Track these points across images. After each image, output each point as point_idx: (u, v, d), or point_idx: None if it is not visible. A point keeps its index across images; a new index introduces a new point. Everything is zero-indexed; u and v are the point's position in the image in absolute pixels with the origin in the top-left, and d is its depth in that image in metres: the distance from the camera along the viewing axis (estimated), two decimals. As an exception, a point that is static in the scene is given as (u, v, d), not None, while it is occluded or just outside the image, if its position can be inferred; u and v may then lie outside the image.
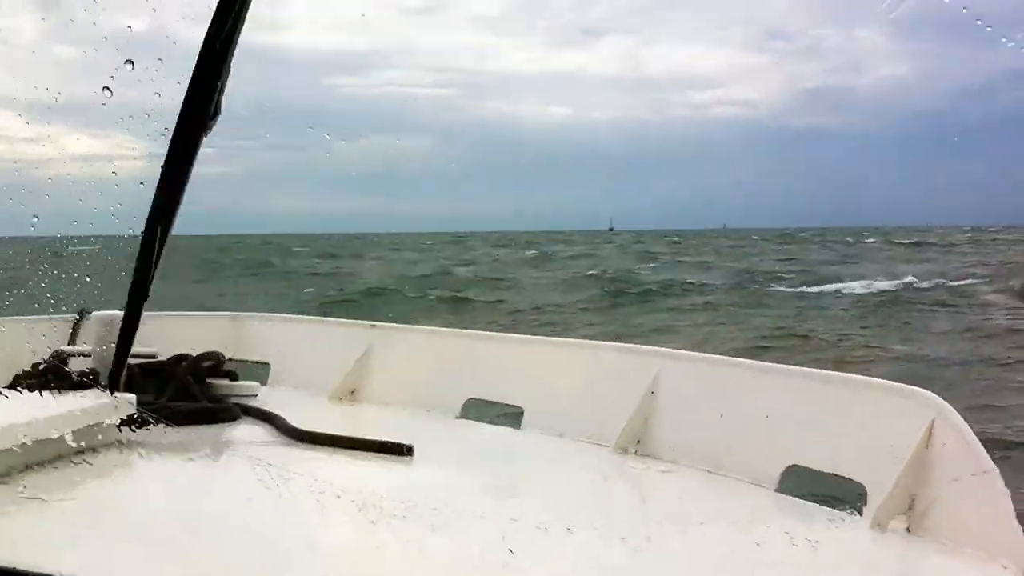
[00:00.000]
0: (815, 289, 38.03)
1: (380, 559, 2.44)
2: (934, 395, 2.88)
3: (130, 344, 3.13)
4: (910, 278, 39.99)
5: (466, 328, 5.55)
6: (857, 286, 38.30)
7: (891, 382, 3.11)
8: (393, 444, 3.49)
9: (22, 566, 1.82)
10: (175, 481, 3.27)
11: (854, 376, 3.28)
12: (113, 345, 4.16)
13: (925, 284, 38.32)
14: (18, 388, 3.77)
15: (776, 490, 3.17)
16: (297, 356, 4.92)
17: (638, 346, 4.15)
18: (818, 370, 3.44)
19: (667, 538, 2.65)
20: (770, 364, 3.63)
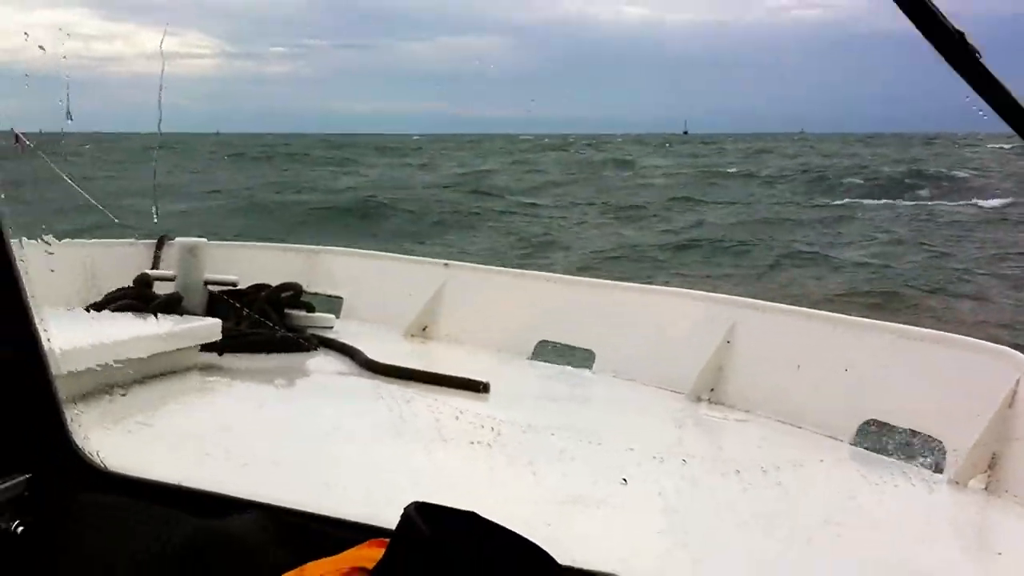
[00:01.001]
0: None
1: (463, 485, 2.49)
2: (1020, 354, 2.85)
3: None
4: None
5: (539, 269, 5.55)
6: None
7: (976, 339, 3.08)
8: (470, 380, 3.53)
9: (133, 473, 1.89)
10: (259, 405, 3.35)
11: (937, 332, 3.24)
12: (195, 270, 4.26)
13: None
14: (105, 310, 3.89)
15: (851, 443, 3.16)
16: (371, 291, 4.96)
17: (715, 294, 4.12)
18: (900, 324, 3.40)
19: (741, 485, 2.66)
20: (849, 317, 3.59)
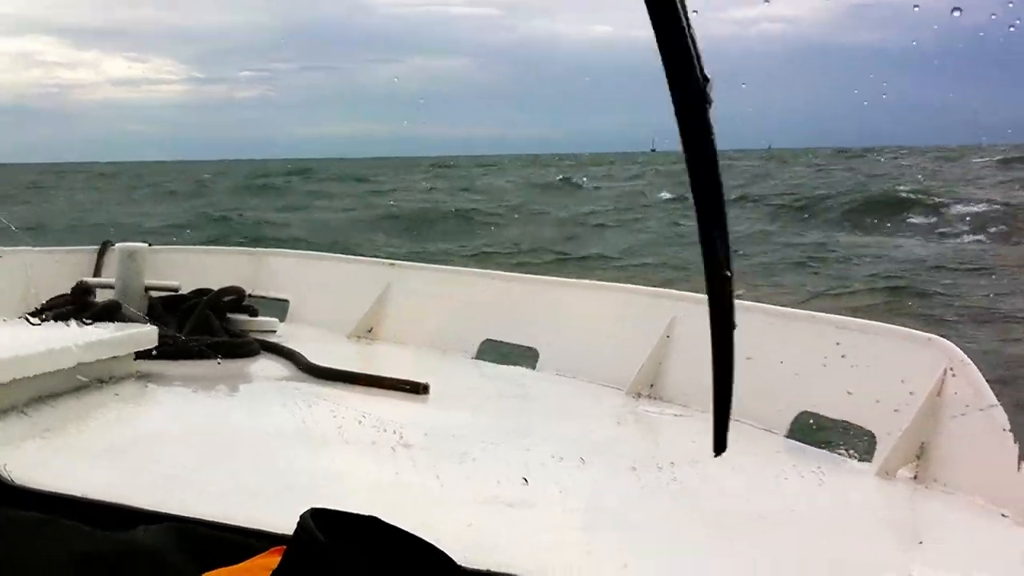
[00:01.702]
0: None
1: (397, 488, 2.49)
2: (949, 343, 2.88)
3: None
4: None
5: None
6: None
7: (906, 328, 3.11)
8: (409, 382, 3.53)
9: (40, 487, 1.87)
10: (195, 412, 3.32)
11: (869, 322, 3.28)
12: (136, 276, 4.23)
13: None
14: (42, 317, 3.85)
15: (786, 436, 3.19)
16: (316, 293, 4.95)
17: (655, 289, 4.15)
18: (833, 315, 3.43)
19: (675, 478, 2.68)
20: (785, 309, 3.62)
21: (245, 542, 1.62)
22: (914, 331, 3.07)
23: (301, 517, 1.27)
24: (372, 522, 1.31)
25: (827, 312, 3.59)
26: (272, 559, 1.36)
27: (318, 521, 1.27)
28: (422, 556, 1.30)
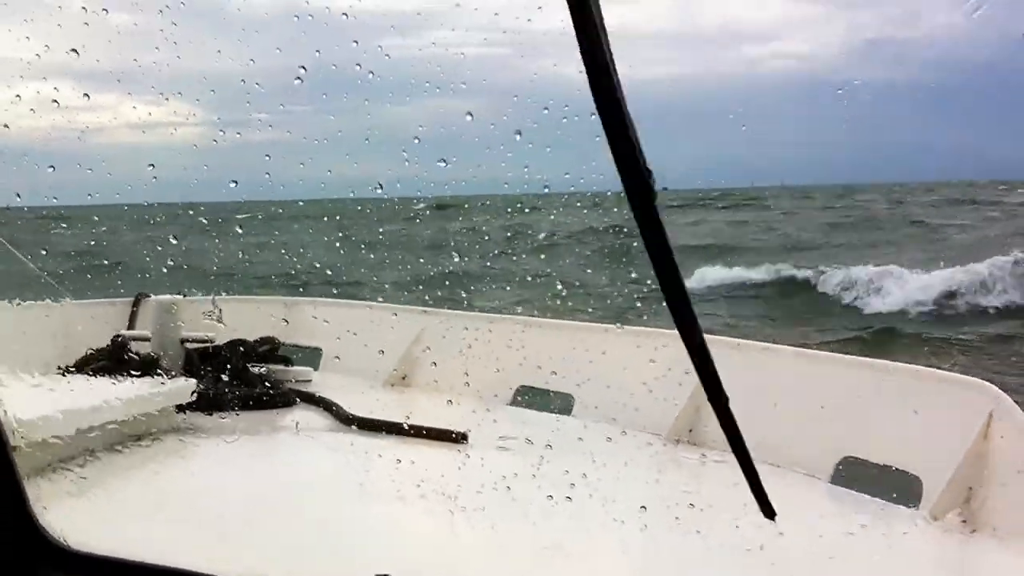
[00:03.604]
0: None
1: (449, 542, 2.48)
2: (993, 386, 2.86)
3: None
4: None
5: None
6: None
7: (949, 372, 3.09)
8: (448, 431, 3.52)
9: (86, 549, 1.86)
10: (236, 466, 3.32)
11: (911, 366, 3.26)
12: (172, 328, 4.25)
13: None
14: (80, 372, 3.87)
15: (830, 481, 3.15)
16: (349, 342, 4.95)
17: None
18: (874, 359, 3.41)
19: (722, 529, 2.65)
20: (824, 353, 3.62)
21: None
22: (957, 375, 3.05)
23: None
24: None
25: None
26: None
27: None
28: None
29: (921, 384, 3.10)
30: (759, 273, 24.45)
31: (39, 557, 1.77)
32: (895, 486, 3.05)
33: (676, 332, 4.26)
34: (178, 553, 1.93)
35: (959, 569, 2.75)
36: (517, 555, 2.40)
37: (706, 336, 3.91)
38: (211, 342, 4.38)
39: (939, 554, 2.74)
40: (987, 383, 2.90)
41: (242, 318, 4.95)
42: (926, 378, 3.12)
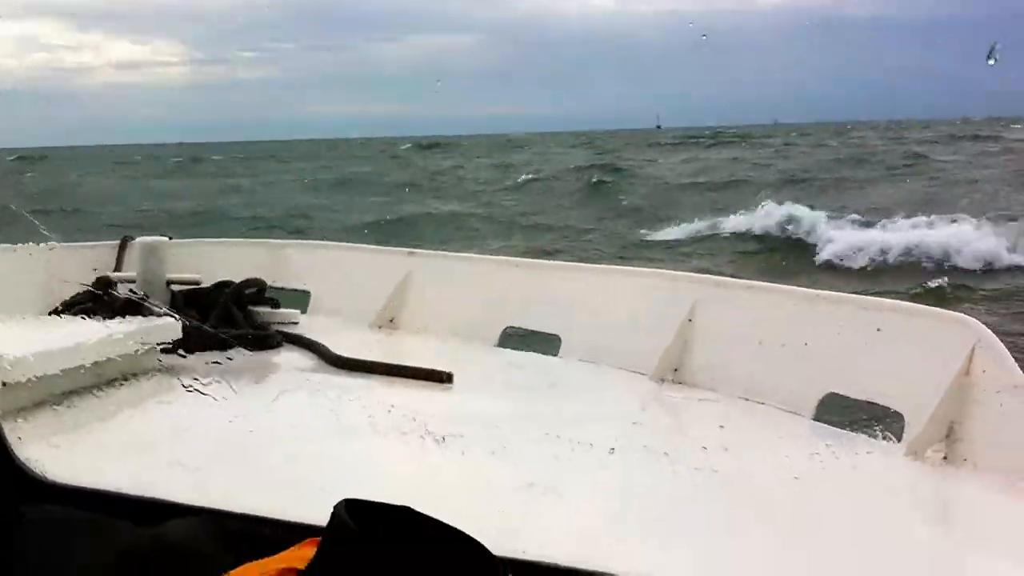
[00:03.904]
0: None
1: (427, 479, 2.49)
2: (976, 321, 2.86)
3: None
4: None
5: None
6: None
7: (932, 307, 3.09)
8: (433, 371, 3.53)
9: (73, 482, 1.88)
10: (222, 405, 3.33)
11: (894, 302, 3.27)
12: (158, 270, 4.24)
13: None
14: (65, 313, 3.86)
15: (813, 418, 3.18)
16: (336, 284, 4.95)
17: (677, 272, 4.14)
18: (858, 296, 3.41)
19: (700, 463, 2.67)
20: (809, 290, 3.61)
21: (277, 534, 1.62)
22: (941, 310, 3.05)
23: (335, 508, 1.27)
24: (406, 512, 1.30)
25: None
26: (307, 550, 1.36)
27: (352, 512, 1.26)
28: (457, 546, 1.30)
29: (904, 319, 3.11)
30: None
31: (20, 491, 1.78)
32: (877, 422, 3.07)
33: (662, 271, 4.29)
34: (158, 484, 1.94)
35: (939, 504, 2.77)
36: (500, 491, 2.42)
37: (689, 274, 3.95)
38: (198, 284, 4.37)
39: (919, 489, 2.76)
40: (970, 317, 2.90)
41: (229, 260, 4.94)
42: (909, 312, 3.12)
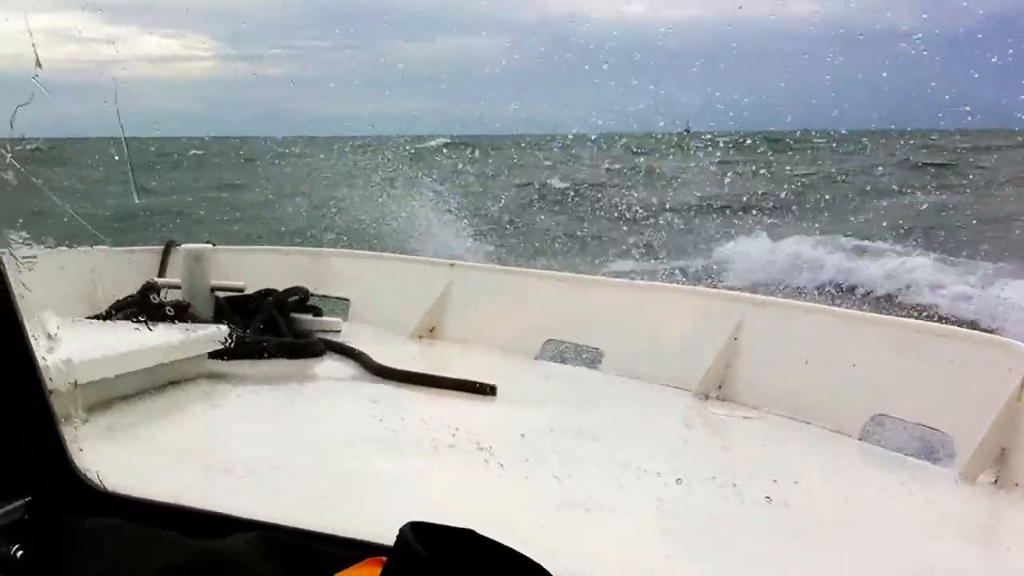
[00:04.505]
0: None
1: (479, 494, 2.49)
2: None
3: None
4: None
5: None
6: None
7: (983, 333, 3.07)
8: (477, 383, 3.53)
9: (131, 493, 1.89)
10: (271, 414, 3.35)
11: (943, 326, 3.24)
12: (202, 276, 4.27)
13: None
14: (113, 317, 3.90)
15: (859, 439, 3.15)
16: (377, 293, 4.97)
17: (721, 291, 4.13)
18: (907, 319, 3.39)
19: (751, 485, 2.65)
20: (855, 312, 3.59)
21: (334, 551, 1.62)
22: (988, 335, 3.03)
23: (401, 530, 1.27)
24: (469, 535, 1.30)
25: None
26: (369, 570, 1.36)
27: (416, 534, 1.26)
28: (521, 571, 1.30)
29: (954, 344, 3.08)
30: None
31: (79, 501, 1.79)
32: (926, 445, 3.04)
33: (705, 289, 4.30)
34: (212, 496, 1.95)
35: (990, 529, 2.74)
36: (546, 508, 2.41)
37: (735, 293, 3.92)
38: (241, 291, 4.40)
39: (970, 514, 2.73)
40: (1019, 343, 2.87)
41: (272, 268, 4.97)
42: (959, 337, 3.10)
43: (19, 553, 1.68)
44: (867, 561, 2.23)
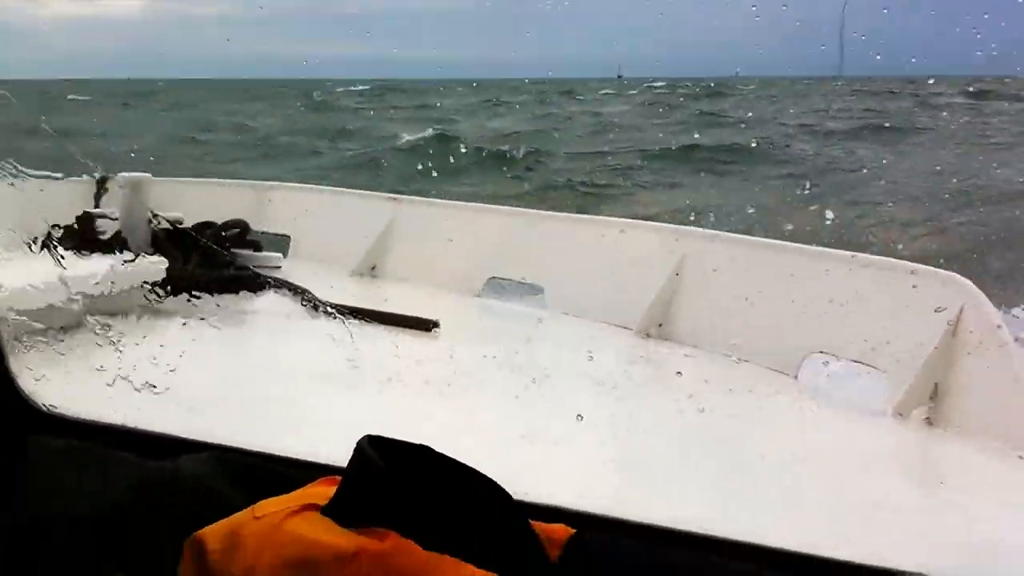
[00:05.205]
0: None
1: (414, 424, 2.49)
2: (966, 280, 2.85)
3: None
4: None
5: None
6: None
7: (922, 265, 3.07)
8: (420, 319, 3.52)
9: (76, 415, 1.86)
10: (213, 345, 3.31)
11: (884, 259, 3.24)
12: (139, 208, 4.18)
13: None
14: (48, 249, 3.81)
15: (797, 376, 3.19)
16: (319, 229, 4.91)
17: (666, 225, 4.10)
18: (843, 252, 3.37)
19: (685, 421, 2.69)
20: (799, 245, 3.57)
21: (288, 472, 1.62)
22: (929, 267, 3.03)
23: (358, 443, 1.26)
24: (424, 450, 1.30)
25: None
26: (325, 488, 1.35)
27: (374, 447, 1.26)
28: (477, 483, 1.30)
29: (894, 277, 3.09)
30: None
31: (25, 422, 1.76)
32: (861, 381, 3.09)
33: (649, 223, 4.27)
34: (160, 419, 1.93)
35: (921, 465, 2.80)
36: (491, 438, 2.43)
37: (679, 227, 3.92)
38: (179, 223, 4.32)
39: (902, 450, 2.79)
40: (960, 276, 2.89)
41: (212, 200, 4.88)
42: (899, 270, 3.10)
43: None
44: (802, 496, 2.27)
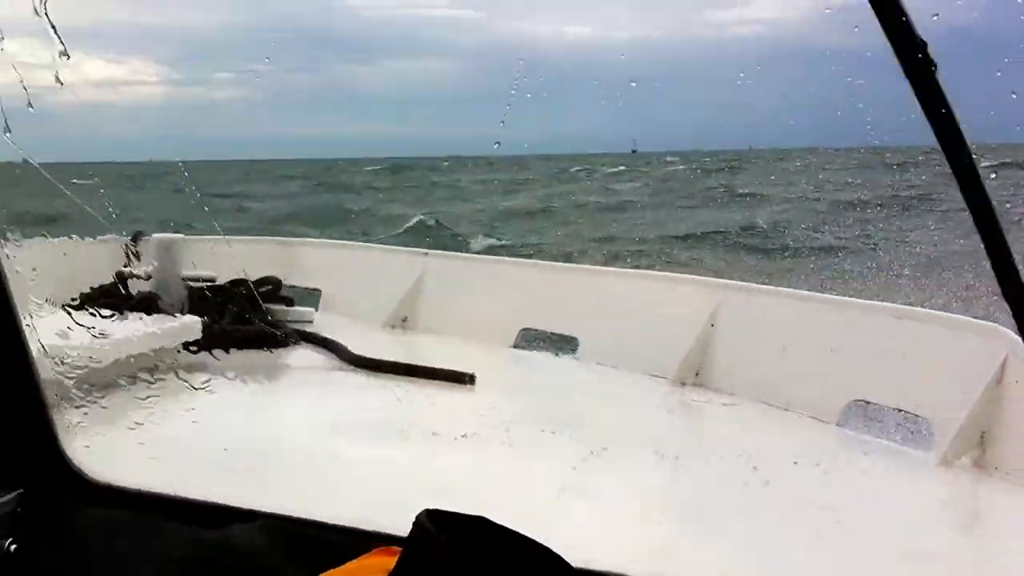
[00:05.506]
0: None
1: (460, 483, 2.47)
2: (1008, 331, 2.84)
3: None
4: None
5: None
6: None
7: (963, 317, 3.07)
8: (456, 372, 3.50)
9: (125, 484, 1.85)
10: (251, 404, 3.31)
11: (923, 310, 3.24)
12: (173, 267, 4.20)
13: None
14: (84, 307, 3.82)
15: (838, 424, 3.16)
16: (349, 283, 4.92)
17: (698, 277, 4.11)
18: (886, 304, 3.39)
19: (729, 471, 2.66)
20: (834, 297, 3.59)
21: (338, 540, 1.60)
22: (972, 319, 3.03)
23: (418, 517, 1.25)
24: (482, 522, 1.29)
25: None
26: (381, 559, 1.34)
27: (432, 521, 1.25)
28: (535, 556, 1.28)
29: (934, 328, 3.09)
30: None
31: (73, 493, 1.75)
32: (905, 430, 3.06)
33: (681, 276, 4.25)
34: (201, 488, 1.92)
35: (970, 512, 2.76)
36: (540, 493, 2.41)
37: (711, 279, 3.90)
38: (212, 281, 4.34)
39: (950, 497, 2.75)
40: (1002, 327, 2.89)
41: (244, 258, 4.90)
42: (939, 322, 3.11)
43: (12, 546, 1.64)
44: (848, 544, 2.24)
